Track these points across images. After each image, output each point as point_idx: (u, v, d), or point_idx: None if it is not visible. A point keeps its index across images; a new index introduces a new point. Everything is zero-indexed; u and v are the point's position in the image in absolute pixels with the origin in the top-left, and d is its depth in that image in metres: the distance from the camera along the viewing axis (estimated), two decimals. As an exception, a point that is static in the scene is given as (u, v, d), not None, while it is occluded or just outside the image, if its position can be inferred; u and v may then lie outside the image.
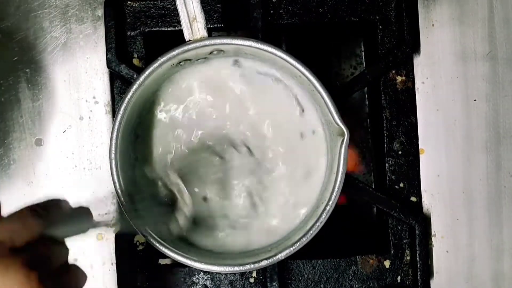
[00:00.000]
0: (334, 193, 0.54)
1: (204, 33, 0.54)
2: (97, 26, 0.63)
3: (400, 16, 0.62)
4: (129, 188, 0.55)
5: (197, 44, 0.54)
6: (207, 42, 0.54)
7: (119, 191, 0.54)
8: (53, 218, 0.45)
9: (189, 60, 0.56)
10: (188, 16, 0.54)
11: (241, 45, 0.54)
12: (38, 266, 0.41)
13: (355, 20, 0.62)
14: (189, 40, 0.54)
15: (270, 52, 0.53)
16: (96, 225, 0.49)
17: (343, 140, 0.52)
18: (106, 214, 0.61)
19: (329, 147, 0.58)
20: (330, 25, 0.63)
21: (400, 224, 0.62)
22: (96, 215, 0.49)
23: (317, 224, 0.54)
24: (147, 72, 0.54)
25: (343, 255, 0.62)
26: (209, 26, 0.57)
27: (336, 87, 0.68)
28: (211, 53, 0.56)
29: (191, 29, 0.54)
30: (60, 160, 0.62)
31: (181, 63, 0.56)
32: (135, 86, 0.54)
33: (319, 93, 0.53)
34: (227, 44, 0.54)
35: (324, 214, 0.54)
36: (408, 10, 0.62)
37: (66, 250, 0.45)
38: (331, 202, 0.54)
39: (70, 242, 0.46)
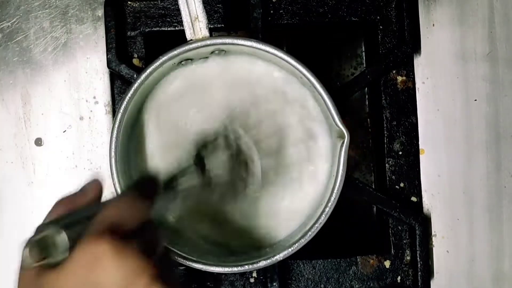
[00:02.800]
0: (333, 196, 0.54)
1: (206, 32, 0.54)
2: (97, 26, 0.63)
3: (401, 16, 0.62)
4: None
5: (199, 44, 0.54)
6: (208, 42, 0.54)
7: (118, 190, 0.54)
8: (155, 195, 0.43)
9: (191, 59, 0.56)
10: (190, 15, 0.54)
11: (243, 45, 0.54)
12: (151, 254, 0.38)
13: (356, 20, 0.62)
14: (191, 40, 0.54)
15: (272, 53, 0.53)
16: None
17: (343, 143, 0.52)
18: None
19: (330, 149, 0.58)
20: (330, 25, 0.63)
21: (401, 224, 0.62)
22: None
23: (316, 225, 0.54)
24: (148, 71, 0.54)
25: (343, 255, 0.61)
26: (209, 26, 0.57)
27: (337, 87, 0.68)
28: (212, 52, 0.56)
29: (193, 28, 0.54)
30: (60, 160, 0.62)
31: (182, 62, 0.56)
32: (136, 85, 0.54)
33: (320, 95, 0.53)
34: (229, 44, 0.54)
35: (323, 216, 0.54)
36: (409, 10, 0.62)
37: (166, 233, 0.43)
38: (330, 204, 0.54)
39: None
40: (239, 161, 0.58)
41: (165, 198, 0.49)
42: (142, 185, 0.44)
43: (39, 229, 0.38)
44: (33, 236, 0.37)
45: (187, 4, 0.54)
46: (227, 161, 0.57)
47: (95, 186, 0.44)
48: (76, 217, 0.40)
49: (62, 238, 0.37)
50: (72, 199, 0.43)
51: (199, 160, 0.57)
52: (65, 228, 0.38)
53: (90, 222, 0.38)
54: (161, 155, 0.58)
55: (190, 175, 0.54)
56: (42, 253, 0.37)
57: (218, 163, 0.57)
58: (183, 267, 0.56)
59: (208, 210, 0.58)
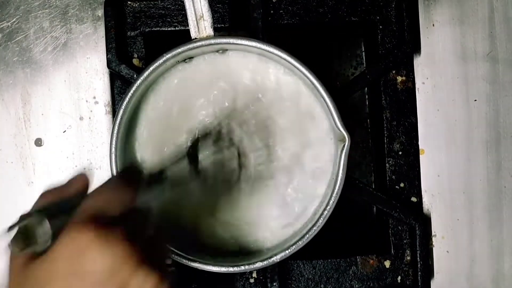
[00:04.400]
0: (332, 199, 0.54)
1: (210, 31, 0.54)
2: (97, 26, 0.63)
3: (401, 16, 0.62)
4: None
5: (203, 43, 0.54)
6: (213, 41, 0.54)
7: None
8: (138, 184, 0.43)
9: (191, 57, 0.57)
10: (195, 14, 0.54)
11: (247, 45, 0.54)
12: (137, 240, 0.38)
13: (355, 20, 0.62)
14: (195, 38, 0.54)
15: (275, 54, 0.53)
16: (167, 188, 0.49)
17: (343, 146, 0.52)
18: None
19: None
20: (330, 25, 0.63)
21: (401, 224, 0.62)
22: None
23: (314, 228, 0.54)
24: (151, 68, 0.54)
25: (343, 255, 0.61)
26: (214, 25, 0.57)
27: (337, 87, 0.68)
28: (216, 51, 0.56)
29: (198, 27, 0.54)
30: (60, 160, 0.62)
31: (185, 60, 0.56)
32: (138, 82, 0.54)
33: (322, 97, 0.53)
34: (233, 44, 0.54)
35: (322, 218, 0.54)
36: (409, 10, 0.62)
37: (153, 221, 0.43)
38: (328, 207, 0.54)
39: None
40: (231, 154, 0.58)
41: (157, 189, 0.50)
42: (126, 173, 0.44)
43: (22, 218, 0.38)
44: (14, 224, 0.37)
45: (193, 3, 0.54)
46: (219, 153, 0.57)
47: (81, 179, 0.44)
48: (61, 206, 0.40)
49: (45, 226, 0.37)
50: (58, 190, 0.43)
51: (192, 153, 0.56)
52: (48, 217, 0.38)
53: (74, 211, 0.39)
54: (156, 148, 0.58)
55: (182, 165, 0.55)
56: (25, 241, 0.37)
57: (210, 156, 0.57)
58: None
59: (201, 203, 0.58)
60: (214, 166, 0.57)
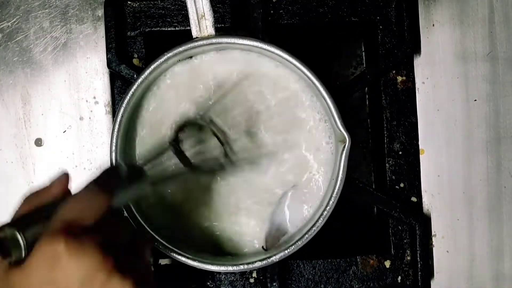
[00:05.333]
0: (332, 199, 0.54)
1: (212, 31, 0.54)
2: (97, 26, 0.63)
3: (401, 16, 0.62)
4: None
5: (204, 42, 0.54)
6: (214, 41, 0.54)
7: None
8: (115, 186, 0.44)
9: (191, 57, 0.57)
10: (196, 13, 0.54)
11: (248, 45, 0.54)
12: (111, 248, 0.39)
13: (355, 20, 0.62)
14: (196, 37, 0.54)
15: (277, 54, 0.53)
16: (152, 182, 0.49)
17: (344, 147, 0.52)
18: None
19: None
20: (330, 25, 0.63)
21: (401, 224, 0.62)
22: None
23: (314, 228, 0.54)
24: (152, 67, 0.54)
25: (343, 256, 0.62)
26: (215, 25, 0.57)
27: (337, 87, 0.68)
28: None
29: (199, 26, 0.54)
30: (60, 160, 0.62)
31: (186, 59, 0.56)
32: (139, 80, 0.54)
33: (324, 98, 0.53)
34: (234, 43, 0.54)
35: (321, 219, 0.54)
36: (409, 10, 0.62)
37: (131, 226, 0.43)
38: (328, 207, 0.54)
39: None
40: (214, 144, 0.57)
41: (140, 185, 0.50)
42: (102, 179, 0.44)
43: None
44: None
45: (194, 2, 0.54)
46: (203, 144, 0.57)
47: (61, 180, 0.44)
48: (37, 216, 0.41)
49: (16, 240, 0.39)
50: (38, 195, 0.44)
51: (176, 145, 0.57)
52: (23, 228, 0.39)
53: (48, 220, 0.40)
54: (148, 143, 0.58)
55: (167, 158, 0.55)
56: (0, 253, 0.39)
57: (194, 146, 0.57)
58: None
59: (192, 197, 0.58)
60: (198, 155, 0.57)
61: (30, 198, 0.44)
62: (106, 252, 0.38)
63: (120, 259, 0.39)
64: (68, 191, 0.44)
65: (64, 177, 0.44)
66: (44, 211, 0.41)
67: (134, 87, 0.54)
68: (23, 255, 0.39)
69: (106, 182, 0.44)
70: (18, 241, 0.39)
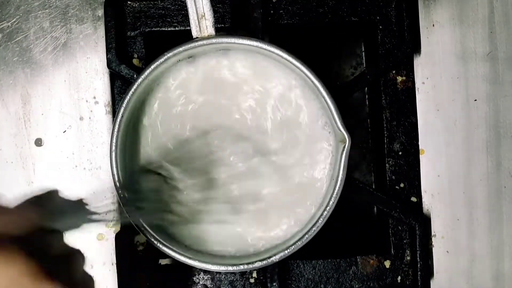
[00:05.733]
0: (332, 200, 0.54)
1: (212, 31, 0.54)
2: (97, 26, 0.63)
3: (401, 16, 0.62)
4: (127, 184, 0.55)
5: (205, 42, 0.54)
6: (214, 41, 0.54)
7: (117, 184, 0.54)
8: (51, 209, 0.44)
9: (192, 57, 0.57)
10: (197, 13, 0.54)
11: (249, 45, 0.54)
12: (37, 255, 0.40)
13: (355, 20, 0.62)
14: (197, 38, 0.54)
15: (277, 54, 0.53)
16: (90, 220, 0.48)
17: (344, 147, 0.52)
18: (106, 213, 0.61)
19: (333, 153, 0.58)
20: (330, 25, 0.63)
21: (401, 224, 0.62)
22: (96, 215, 0.49)
23: (314, 228, 0.54)
24: (153, 66, 0.54)
25: (343, 256, 0.62)
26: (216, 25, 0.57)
27: (337, 87, 0.68)
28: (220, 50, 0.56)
29: (199, 26, 0.54)
30: (60, 160, 0.62)
31: (189, 59, 0.56)
32: (140, 80, 0.54)
33: (324, 98, 0.53)
34: (234, 43, 0.54)
35: (321, 219, 0.54)
36: (409, 10, 0.62)
37: (62, 238, 0.44)
38: (328, 208, 0.54)
39: (70, 241, 0.45)
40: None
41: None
42: (41, 196, 0.45)
43: None
44: None
45: (195, 2, 0.54)
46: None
47: None
48: None
49: None
50: None
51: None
52: None
53: None
54: (158, 146, 0.58)
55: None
56: None
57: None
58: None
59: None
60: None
61: None
62: (33, 259, 0.39)
63: (50, 266, 0.40)
64: None
65: None
66: None
67: (134, 87, 0.54)
68: None
69: (41, 201, 0.45)
70: None
